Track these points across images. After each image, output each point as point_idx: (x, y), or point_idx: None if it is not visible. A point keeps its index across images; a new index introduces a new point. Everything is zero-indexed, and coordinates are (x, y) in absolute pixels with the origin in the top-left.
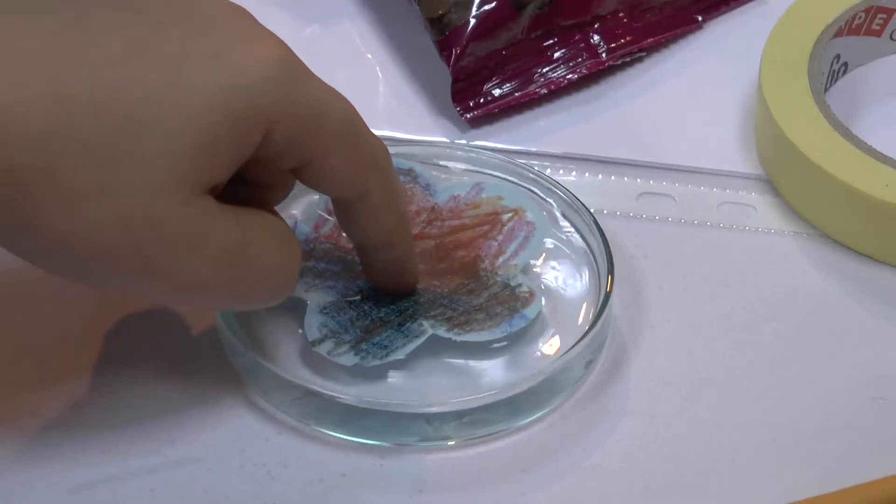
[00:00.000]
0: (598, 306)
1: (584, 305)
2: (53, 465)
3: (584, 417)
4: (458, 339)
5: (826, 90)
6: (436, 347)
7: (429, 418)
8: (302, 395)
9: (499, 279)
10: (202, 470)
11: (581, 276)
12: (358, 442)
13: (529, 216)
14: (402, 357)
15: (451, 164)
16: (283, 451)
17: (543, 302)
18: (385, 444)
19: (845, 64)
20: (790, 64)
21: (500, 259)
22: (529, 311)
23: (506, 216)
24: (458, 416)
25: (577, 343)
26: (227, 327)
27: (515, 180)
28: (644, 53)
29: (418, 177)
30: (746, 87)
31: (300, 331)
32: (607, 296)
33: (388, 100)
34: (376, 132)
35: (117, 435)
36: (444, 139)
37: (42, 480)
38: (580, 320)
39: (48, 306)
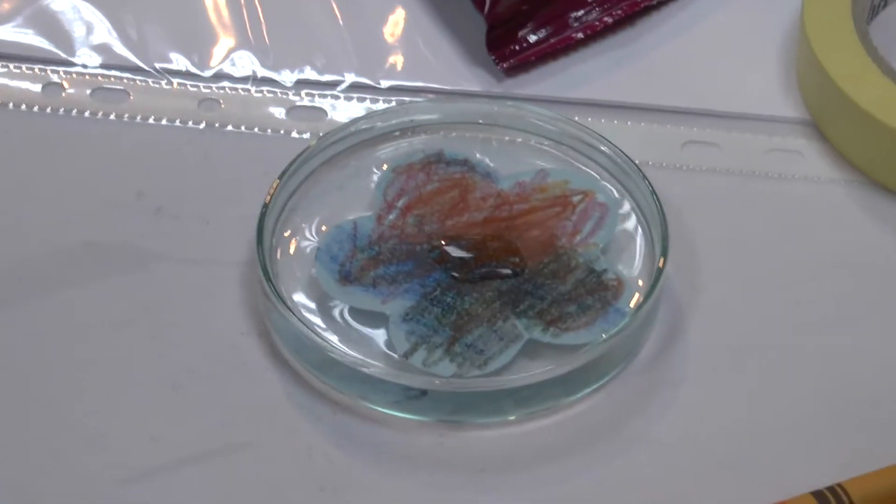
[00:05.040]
0: (654, 274)
1: (638, 268)
2: (103, 455)
3: (643, 387)
4: (557, 341)
5: (867, 25)
6: (528, 346)
7: (489, 396)
8: (402, 399)
9: (581, 260)
10: (256, 454)
11: (634, 239)
12: (416, 420)
13: (600, 197)
14: (501, 365)
15: (492, 122)
16: (339, 432)
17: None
18: (443, 420)
19: None
20: (833, 3)
21: (578, 238)
22: (623, 304)
23: (576, 198)
24: (515, 392)
25: (637, 310)
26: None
27: (559, 138)
28: None
29: (476, 166)
30: (786, 21)
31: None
32: (663, 256)
33: (420, 49)
34: (411, 84)
35: (166, 420)
36: (479, 88)
37: (92, 472)
38: (635, 284)
39: (87, 285)
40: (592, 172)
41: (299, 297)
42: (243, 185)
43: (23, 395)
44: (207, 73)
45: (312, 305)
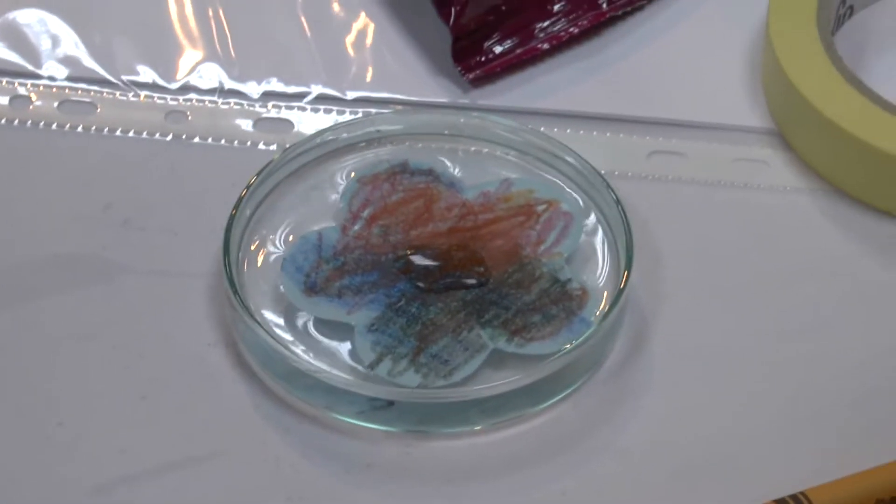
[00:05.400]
0: (619, 284)
1: (603, 277)
2: (71, 466)
3: (609, 396)
4: (521, 351)
5: (832, 36)
6: (493, 356)
7: (455, 407)
8: (367, 409)
9: (545, 270)
10: (223, 465)
11: (599, 248)
12: (382, 430)
13: (565, 207)
14: (466, 375)
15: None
16: (306, 442)
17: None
18: (409, 431)
19: (851, 7)
20: (798, 13)
21: (542, 248)
22: (588, 313)
23: (540, 207)
24: (481, 402)
25: (602, 320)
26: (281, 346)
27: (524, 148)
28: (645, 2)
29: (440, 176)
30: (751, 30)
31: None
32: (628, 266)
33: (387, 60)
34: (377, 95)
35: (134, 431)
36: (446, 99)
37: (62, 482)
38: (600, 294)
39: (54, 297)
40: (557, 181)
41: (266, 308)
42: (210, 196)
43: None
44: (174, 86)
45: (279, 316)
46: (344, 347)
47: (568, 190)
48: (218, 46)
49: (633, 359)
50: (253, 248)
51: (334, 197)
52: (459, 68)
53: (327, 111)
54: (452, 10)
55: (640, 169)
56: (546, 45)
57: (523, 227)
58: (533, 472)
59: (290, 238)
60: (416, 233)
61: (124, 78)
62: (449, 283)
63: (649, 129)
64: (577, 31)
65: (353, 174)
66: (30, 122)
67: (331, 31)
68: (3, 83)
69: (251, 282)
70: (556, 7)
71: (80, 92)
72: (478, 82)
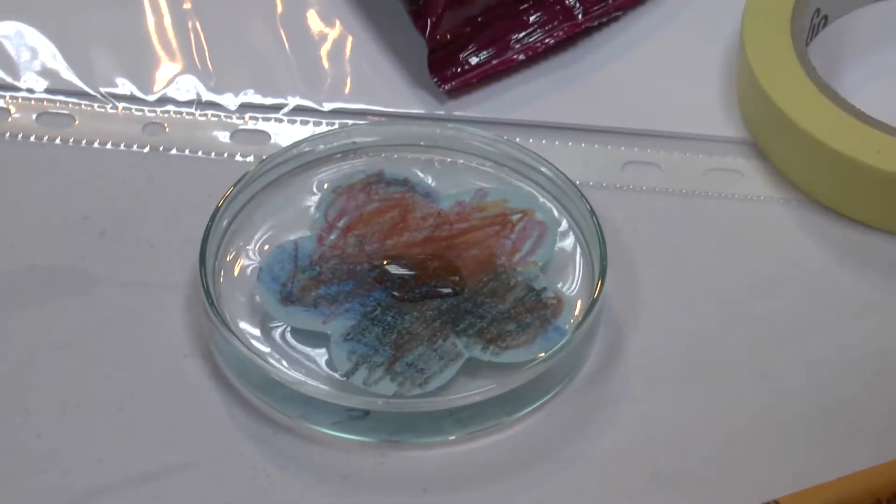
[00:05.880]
0: (594, 294)
1: (577, 286)
2: (48, 477)
3: (583, 404)
4: (497, 360)
5: (806, 45)
6: (468, 365)
7: (430, 416)
8: (343, 419)
9: (520, 279)
10: (202, 475)
11: (573, 258)
12: (357, 440)
13: (539, 216)
14: (441, 384)
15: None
16: (282, 453)
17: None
18: (385, 441)
19: (825, 17)
20: (772, 23)
21: (517, 257)
22: (562, 322)
23: (515, 217)
24: (457, 411)
25: (576, 328)
26: (257, 357)
27: (499, 160)
28: (620, 13)
29: (416, 186)
30: (726, 41)
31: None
32: (602, 276)
33: (364, 71)
34: (351, 106)
35: (111, 442)
36: (422, 110)
37: (39, 493)
38: (574, 303)
39: (32, 308)
40: (532, 191)
41: (242, 319)
42: (187, 207)
43: None
44: (152, 98)
45: (255, 326)
46: (320, 357)
47: (542, 199)
48: (196, 58)
49: (608, 368)
50: (229, 258)
51: (310, 207)
52: (435, 79)
53: (304, 123)
54: (428, 21)
55: (615, 179)
56: (522, 56)
57: (498, 237)
58: (507, 482)
59: (266, 248)
60: (392, 242)
61: (102, 90)
62: (424, 293)
63: (624, 140)
64: (552, 42)
65: (328, 184)
66: (8, 134)
67: (308, 42)
68: None
69: (227, 292)
70: (532, 18)
71: (58, 104)
72: (454, 93)
